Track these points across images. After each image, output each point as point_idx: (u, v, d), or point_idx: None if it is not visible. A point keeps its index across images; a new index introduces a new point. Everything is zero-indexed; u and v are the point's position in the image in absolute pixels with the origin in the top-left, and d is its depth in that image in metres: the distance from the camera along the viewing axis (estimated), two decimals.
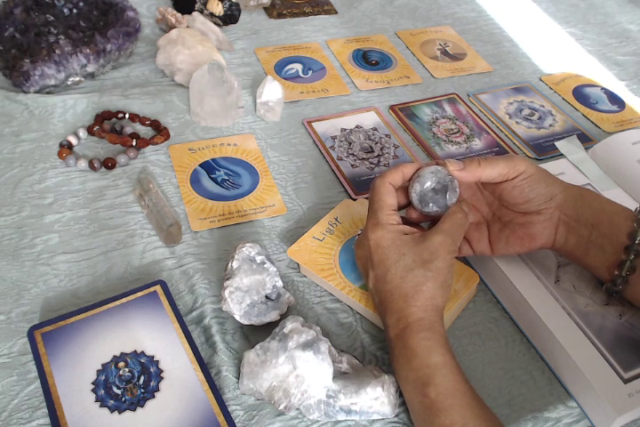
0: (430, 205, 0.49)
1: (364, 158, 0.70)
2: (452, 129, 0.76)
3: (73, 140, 0.66)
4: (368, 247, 0.47)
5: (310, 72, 0.83)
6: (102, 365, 0.46)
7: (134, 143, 0.66)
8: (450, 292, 0.47)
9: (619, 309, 0.51)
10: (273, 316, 0.50)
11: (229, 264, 0.51)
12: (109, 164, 0.64)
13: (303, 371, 0.44)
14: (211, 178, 0.65)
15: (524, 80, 0.86)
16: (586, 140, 0.75)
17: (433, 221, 0.51)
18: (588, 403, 0.47)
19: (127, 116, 0.70)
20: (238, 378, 0.47)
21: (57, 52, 0.70)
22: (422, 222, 0.52)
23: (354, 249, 0.52)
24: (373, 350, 0.51)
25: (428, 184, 0.49)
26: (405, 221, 0.51)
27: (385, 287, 0.46)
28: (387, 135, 0.73)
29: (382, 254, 0.46)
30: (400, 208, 0.52)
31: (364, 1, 1.01)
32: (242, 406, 0.46)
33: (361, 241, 0.49)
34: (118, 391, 0.45)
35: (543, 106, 0.81)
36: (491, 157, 0.49)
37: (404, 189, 0.50)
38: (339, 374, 0.47)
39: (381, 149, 0.71)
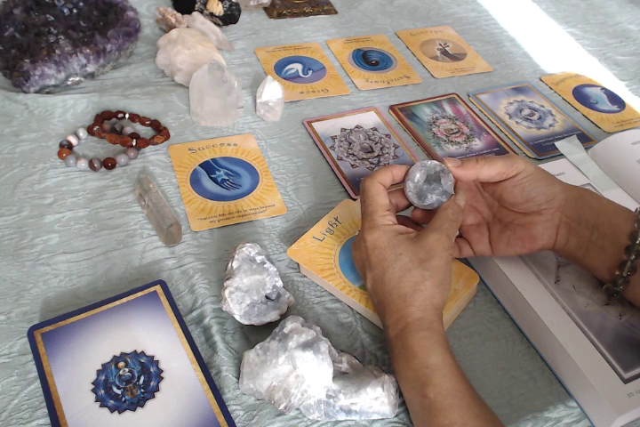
0: (429, 196, 0.49)
1: (363, 158, 0.70)
2: (451, 129, 0.76)
3: (73, 140, 0.66)
4: (365, 249, 0.47)
5: (310, 72, 0.83)
6: (102, 365, 0.46)
7: (134, 143, 0.66)
8: (449, 290, 0.47)
9: (619, 309, 0.51)
10: (273, 316, 0.50)
11: (229, 264, 0.51)
12: (109, 164, 0.64)
13: (303, 371, 0.44)
14: (211, 178, 0.65)
15: (524, 80, 0.86)
16: (586, 140, 0.75)
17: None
18: (587, 403, 0.47)
19: (127, 116, 0.70)
20: (238, 378, 0.47)
21: (57, 52, 0.70)
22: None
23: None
24: (373, 350, 0.51)
25: (418, 176, 0.49)
26: (402, 221, 0.52)
27: (383, 288, 0.46)
28: (387, 135, 0.73)
29: (379, 255, 0.46)
30: (399, 210, 0.52)
31: (364, 1, 1.01)
32: (242, 406, 0.46)
33: (357, 243, 0.49)
34: (118, 391, 0.45)
35: (543, 106, 0.81)
36: (489, 156, 0.49)
37: (403, 191, 0.50)
38: (339, 374, 0.47)
39: (381, 148, 0.71)
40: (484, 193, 0.53)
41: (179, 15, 0.84)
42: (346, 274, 0.53)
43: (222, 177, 0.65)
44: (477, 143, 0.74)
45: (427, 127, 0.76)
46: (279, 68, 0.83)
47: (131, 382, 0.46)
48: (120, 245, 0.57)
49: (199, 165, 0.66)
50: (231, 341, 0.50)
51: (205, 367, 0.47)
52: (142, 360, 0.47)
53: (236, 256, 0.51)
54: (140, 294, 0.51)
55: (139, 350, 0.47)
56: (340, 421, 0.46)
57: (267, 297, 0.51)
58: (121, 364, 0.46)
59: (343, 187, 0.66)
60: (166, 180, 0.65)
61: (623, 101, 0.84)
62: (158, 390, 0.45)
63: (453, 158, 0.49)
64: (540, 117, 0.79)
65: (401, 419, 0.46)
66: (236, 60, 0.84)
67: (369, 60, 0.87)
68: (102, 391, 0.45)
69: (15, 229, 0.58)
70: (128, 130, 0.68)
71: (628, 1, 1.11)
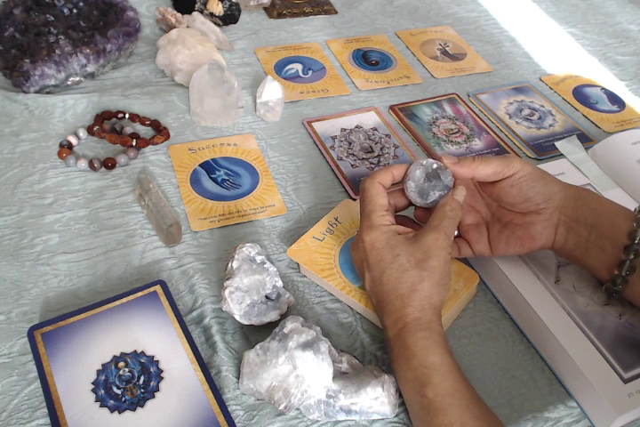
0: (431, 193, 0.49)
1: (363, 158, 0.70)
2: (452, 129, 0.76)
3: (73, 140, 0.66)
4: (363, 249, 0.47)
5: (310, 72, 0.83)
6: (102, 365, 0.46)
7: (134, 143, 0.66)
8: (448, 289, 0.47)
9: (619, 309, 0.51)
10: (273, 316, 0.50)
11: (229, 264, 0.51)
12: (109, 164, 0.64)
13: (303, 371, 0.44)
14: (211, 178, 0.65)
15: (524, 80, 0.86)
16: (586, 140, 0.75)
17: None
18: (587, 403, 0.47)
19: (127, 116, 0.70)
20: (238, 378, 0.47)
21: (57, 52, 0.70)
22: None
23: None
24: (373, 350, 0.51)
25: (418, 174, 0.49)
26: (401, 221, 0.52)
27: (381, 289, 0.46)
28: (387, 135, 0.73)
29: (377, 256, 0.46)
30: (398, 210, 0.52)
31: (364, 1, 1.01)
32: (242, 406, 0.46)
33: (356, 243, 0.49)
34: (118, 391, 0.45)
35: (543, 106, 0.81)
36: (487, 156, 0.49)
37: (402, 191, 0.51)
38: (339, 374, 0.47)
39: (381, 148, 0.71)
40: (482, 193, 0.53)
41: (179, 15, 0.84)
42: (346, 274, 0.53)
43: (222, 177, 0.65)
44: (477, 143, 0.74)
45: (427, 127, 0.76)
46: (279, 68, 0.83)
47: (131, 382, 0.46)
48: (120, 245, 0.57)
49: (199, 165, 0.66)
50: (231, 341, 0.50)
51: (205, 367, 0.47)
52: (142, 360, 0.47)
53: (235, 256, 0.51)
54: (140, 294, 0.51)
55: (139, 350, 0.47)
56: (340, 421, 0.46)
57: (267, 297, 0.51)
58: (121, 364, 0.46)
59: (343, 187, 0.66)
60: (166, 180, 0.65)
61: (623, 101, 0.84)
62: (158, 390, 0.45)
63: (450, 156, 0.49)
64: (540, 117, 0.79)
65: (401, 419, 0.46)
66: (236, 60, 0.84)
67: (369, 60, 0.87)
68: (102, 391, 0.45)
69: (15, 229, 0.58)
70: (128, 130, 0.68)
71: (627, 1, 1.11)
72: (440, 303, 0.46)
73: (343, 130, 0.73)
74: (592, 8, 1.08)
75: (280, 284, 0.52)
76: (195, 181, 0.64)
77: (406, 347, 0.43)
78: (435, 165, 0.49)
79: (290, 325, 0.46)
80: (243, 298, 0.49)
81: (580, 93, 0.84)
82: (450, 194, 0.49)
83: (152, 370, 0.46)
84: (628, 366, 0.47)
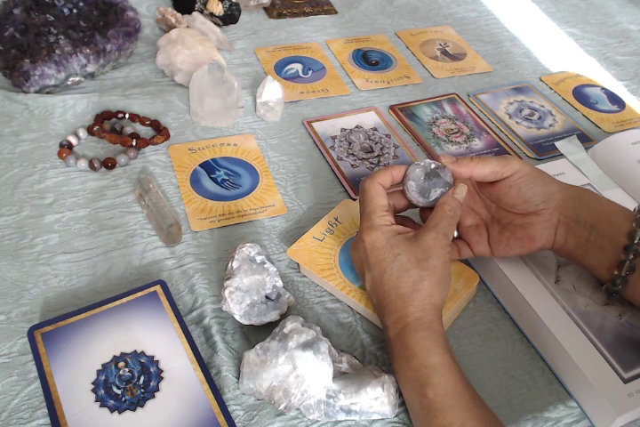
0: (433, 191, 0.49)
1: (363, 158, 0.70)
2: (452, 129, 0.76)
3: (73, 140, 0.66)
4: (364, 249, 0.47)
5: (310, 72, 0.83)
6: (102, 365, 0.46)
7: (134, 143, 0.66)
8: (448, 289, 0.47)
9: (619, 309, 0.51)
10: (273, 316, 0.50)
11: (229, 264, 0.51)
12: (109, 164, 0.64)
13: (303, 371, 0.44)
14: (211, 178, 0.65)
15: (524, 80, 0.86)
16: (586, 140, 0.75)
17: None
18: (587, 403, 0.47)
19: (127, 116, 0.70)
20: (238, 378, 0.47)
21: (57, 52, 0.70)
22: None
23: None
24: (373, 350, 0.51)
25: (418, 173, 0.49)
26: (401, 221, 0.52)
27: (382, 289, 0.46)
28: (387, 135, 0.73)
29: (378, 256, 0.46)
30: (397, 211, 0.52)
31: (363, 1, 1.01)
32: (242, 406, 0.46)
33: (356, 244, 0.50)
34: (118, 391, 0.45)
35: (543, 106, 0.81)
36: (485, 156, 0.49)
37: (401, 192, 0.51)
38: (339, 374, 0.47)
39: (381, 148, 0.71)
40: (481, 195, 0.53)
41: (179, 15, 0.84)
42: (346, 274, 0.53)
43: (222, 177, 0.65)
44: (477, 143, 0.74)
45: (427, 127, 0.76)
46: (279, 68, 0.83)
47: (131, 382, 0.46)
48: (120, 245, 0.57)
49: (199, 165, 0.66)
50: (231, 341, 0.50)
51: (205, 367, 0.47)
52: (142, 360, 0.47)
53: (235, 256, 0.51)
54: (140, 294, 0.51)
55: (139, 350, 0.47)
56: (340, 421, 0.46)
57: (267, 297, 0.51)
58: (121, 364, 0.46)
59: (343, 187, 0.66)
60: (166, 180, 0.65)
61: (623, 101, 0.84)
62: (158, 390, 0.45)
63: (448, 155, 0.50)
64: (540, 117, 0.79)
65: (401, 419, 0.46)
66: (236, 60, 0.84)
67: (369, 60, 0.87)
68: (102, 391, 0.45)
69: (15, 229, 0.58)
70: (128, 130, 0.68)
71: (627, 1, 1.11)
72: (441, 303, 0.46)
73: (343, 130, 0.73)
74: (592, 8, 1.08)
75: (280, 284, 0.52)
76: (195, 181, 0.64)
77: (407, 347, 0.43)
78: (433, 165, 0.50)
79: (290, 325, 0.46)
80: (243, 298, 0.49)
81: (580, 93, 0.84)
82: (450, 191, 0.49)
83: (152, 370, 0.46)
84: (628, 366, 0.47)
